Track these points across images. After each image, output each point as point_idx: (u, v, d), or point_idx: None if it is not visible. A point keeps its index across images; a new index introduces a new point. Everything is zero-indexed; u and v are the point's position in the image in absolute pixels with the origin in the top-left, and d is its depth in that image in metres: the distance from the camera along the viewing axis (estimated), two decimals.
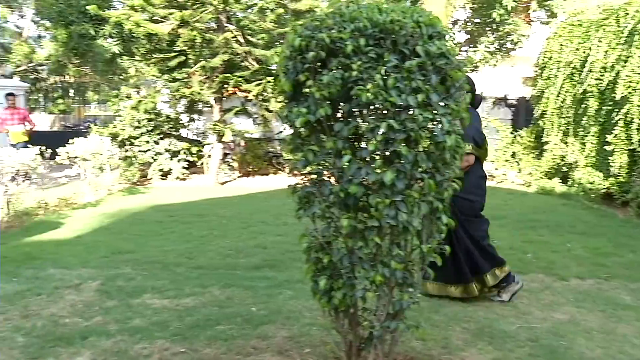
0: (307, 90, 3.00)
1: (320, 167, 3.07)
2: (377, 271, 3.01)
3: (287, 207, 9.85)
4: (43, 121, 30.83)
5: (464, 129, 5.23)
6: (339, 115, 3.10)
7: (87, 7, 14.79)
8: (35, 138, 13.20)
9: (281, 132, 14.23)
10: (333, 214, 3.07)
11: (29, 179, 9.41)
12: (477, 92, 5.48)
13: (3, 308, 4.99)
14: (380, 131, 2.85)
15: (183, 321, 4.64)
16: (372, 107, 2.93)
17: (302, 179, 3.18)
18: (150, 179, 14.34)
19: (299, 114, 2.98)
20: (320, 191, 3.06)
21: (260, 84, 13.21)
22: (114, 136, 13.91)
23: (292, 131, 3.16)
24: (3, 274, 6.11)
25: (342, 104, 3.03)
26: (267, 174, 15.56)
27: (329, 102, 2.96)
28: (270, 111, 14.12)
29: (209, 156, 14.88)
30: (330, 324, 3.49)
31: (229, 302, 5.13)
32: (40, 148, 9.52)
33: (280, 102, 13.24)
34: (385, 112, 2.90)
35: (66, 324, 4.63)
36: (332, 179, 3.10)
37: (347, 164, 2.92)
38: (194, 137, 16.32)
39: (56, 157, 10.81)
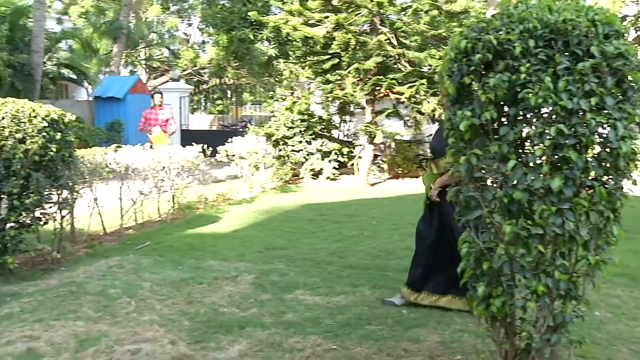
0: (472, 93, 2.95)
1: (483, 172, 3.00)
2: (539, 281, 2.89)
3: None
4: (203, 121, 32.83)
5: None
6: (502, 119, 3.02)
7: (249, 14, 15.56)
8: (196, 137, 14.01)
9: (431, 134, 14.04)
10: (495, 219, 2.99)
11: (192, 175, 10.03)
12: None
13: (171, 293, 5.39)
14: (549, 136, 2.74)
15: (334, 319, 4.74)
16: (540, 111, 2.82)
17: (463, 183, 3.12)
18: (302, 178, 14.76)
19: (463, 117, 2.93)
20: (482, 196, 2.99)
21: (413, 86, 13.13)
22: (268, 136, 14.46)
23: (454, 134, 3.11)
24: (169, 262, 6.59)
25: (507, 108, 2.94)
26: (417, 177, 15.41)
27: (494, 106, 2.88)
28: (422, 113, 13.99)
29: (360, 157, 15.05)
30: (485, 331, 3.40)
31: (379, 303, 5.17)
32: (202, 146, 10.13)
33: (432, 104, 13.12)
34: (554, 116, 2.78)
35: (225, 313, 4.89)
36: (494, 184, 3.02)
37: (512, 169, 2.83)
38: (345, 138, 16.58)
39: (216, 155, 11.46)
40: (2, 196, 6.07)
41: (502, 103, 2.95)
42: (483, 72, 2.95)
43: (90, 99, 21.54)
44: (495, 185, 2.98)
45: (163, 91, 23.06)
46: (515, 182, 2.85)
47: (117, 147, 8.70)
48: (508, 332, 3.23)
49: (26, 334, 4.30)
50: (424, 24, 13.35)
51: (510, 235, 2.88)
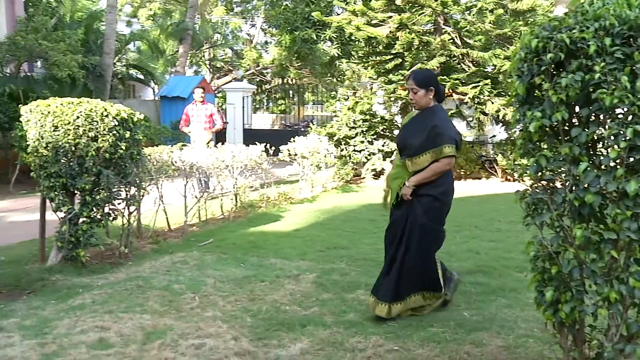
0: (542, 93, 2.88)
1: (553, 174, 2.93)
2: (611, 287, 2.79)
3: (500, 213, 9.65)
4: (265, 120, 33.22)
5: (442, 129, 4.66)
6: (573, 119, 2.94)
7: (312, 14, 15.65)
8: (258, 136, 14.17)
9: (494, 135, 13.81)
10: (564, 223, 2.90)
11: (254, 174, 10.17)
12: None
13: (233, 290, 5.47)
14: (624, 137, 2.64)
15: (395, 320, 4.71)
16: (614, 112, 2.72)
17: (531, 185, 3.05)
18: (363, 178, 14.74)
19: (532, 118, 2.86)
20: (551, 198, 2.91)
21: (477, 86, 12.94)
22: (330, 136, 14.50)
23: (522, 135, 3.04)
24: (232, 259, 6.70)
25: (579, 108, 2.86)
26: (479, 178, 15.21)
27: (565, 106, 2.81)
28: (485, 114, 13.78)
29: None
30: (552, 338, 3.31)
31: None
32: (265, 145, 10.26)
33: (496, 104, 12.89)
34: (630, 116, 2.68)
35: (287, 311, 4.92)
36: (564, 186, 2.94)
37: (583, 171, 2.74)
38: None
39: (278, 154, 11.57)
40: (75, 192, 6.30)
41: (573, 103, 2.86)
42: (554, 72, 2.87)
43: (157, 98, 22.11)
44: (565, 187, 2.90)
45: (227, 91, 23.60)
46: (586, 184, 2.77)
47: (182, 145, 8.89)
48: (576, 339, 3.14)
49: (97, 324, 4.46)
50: (489, 23, 13.12)
51: (580, 239, 2.79)
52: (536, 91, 3.00)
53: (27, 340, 4.18)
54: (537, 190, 3.02)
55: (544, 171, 2.96)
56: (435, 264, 4.95)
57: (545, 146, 3.00)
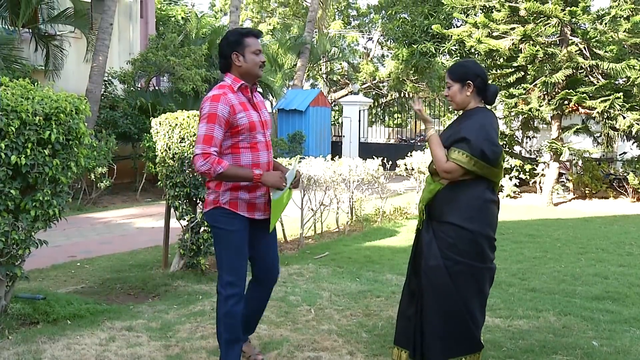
0: None
1: None
2: None
3: (630, 236, 9.10)
4: (381, 134, 33.21)
5: (467, 131, 3.57)
6: None
7: (431, 27, 15.48)
8: (374, 150, 14.12)
9: (625, 152, 13.00)
10: None
11: (371, 188, 10.15)
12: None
13: (349, 304, 5.45)
14: None
15: (516, 343, 4.50)
16: None
17: None
18: None
19: None
20: None
21: (607, 100, 12.20)
22: None
23: None
24: (347, 273, 6.70)
25: None
26: (606, 198, 14.36)
27: None
28: (616, 130, 12.98)
29: (543, 175, 14.32)
30: None
31: (565, 332, 4.82)
32: (382, 159, 10.21)
33: (628, 119, 12.13)
34: None
35: None
36: None
37: None
38: (528, 155, 15.87)
39: (395, 168, 11.49)
40: (198, 201, 6.54)
41: None
42: None
43: (274, 111, 22.67)
44: None
45: (343, 104, 23.77)
46: None
47: (301, 158, 9.03)
48: None
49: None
50: (624, 31, 12.35)
51: None
52: None
53: (154, 341, 4.36)
54: None
55: None
56: (471, 315, 3.66)
57: None
